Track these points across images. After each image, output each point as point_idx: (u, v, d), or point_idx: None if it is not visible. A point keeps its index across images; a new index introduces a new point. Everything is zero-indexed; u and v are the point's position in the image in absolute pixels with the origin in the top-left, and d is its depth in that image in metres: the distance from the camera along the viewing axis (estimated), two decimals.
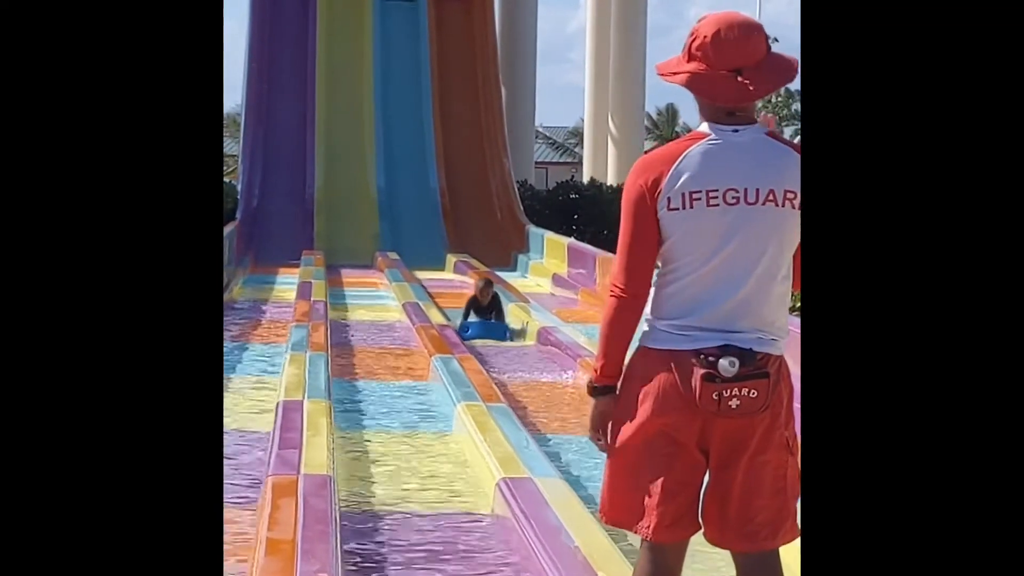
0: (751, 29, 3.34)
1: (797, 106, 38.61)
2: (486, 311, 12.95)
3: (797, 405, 3.38)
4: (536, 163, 31.39)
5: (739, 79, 3.30)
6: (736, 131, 3.34)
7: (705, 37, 3.32)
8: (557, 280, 17.07)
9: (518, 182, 23.35)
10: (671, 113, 50.12)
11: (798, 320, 6.51)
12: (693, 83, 3.34)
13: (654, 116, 48.11)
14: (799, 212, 3.29)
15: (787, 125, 38.99)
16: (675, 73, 3.37)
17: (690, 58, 3.36)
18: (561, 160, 48.77)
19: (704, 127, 3.38)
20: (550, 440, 7.71)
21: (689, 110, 48.00)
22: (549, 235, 19.26)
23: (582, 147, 33.16)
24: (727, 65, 3.30)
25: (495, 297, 13.24)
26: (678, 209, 3.30)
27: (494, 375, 9.77)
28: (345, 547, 5.13)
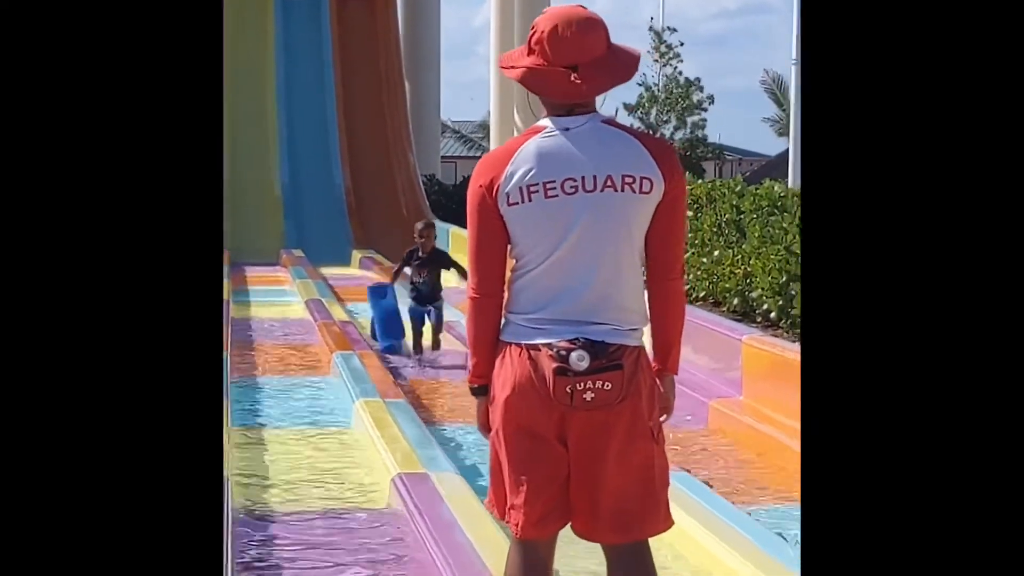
0: (589, 25, 3.30)
1: (696, 96, 38.93)
2: (425, 267, 10.60)
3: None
4: (444, 157, 31.38)
5: (572, 77, 3.27)
6: (573, 121, 3.31)
7: (543, 32, 3.29)
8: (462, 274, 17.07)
9: (425, 177, 23.32)
10: None
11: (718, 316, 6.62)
12: (527, 79, 3.32)
13: None
14: (642, 196, 3.27)
15: (688, 116, 39.28)
16: (513, 67, 3.35)
17: (529, 52, 3.33)
18: (469, 154, 48.76)
19: (543, 121, 3.35)
20: (450, 435, 7.73)
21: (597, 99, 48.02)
22: (455, 229, 19.25)
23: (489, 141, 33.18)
24: (562, 61, 3.28)
25: (436, 249, 10.66)
26: (517, 204, 3.28)
27: (394, 370, 9.77)
28: (239, 546, 5.13)
